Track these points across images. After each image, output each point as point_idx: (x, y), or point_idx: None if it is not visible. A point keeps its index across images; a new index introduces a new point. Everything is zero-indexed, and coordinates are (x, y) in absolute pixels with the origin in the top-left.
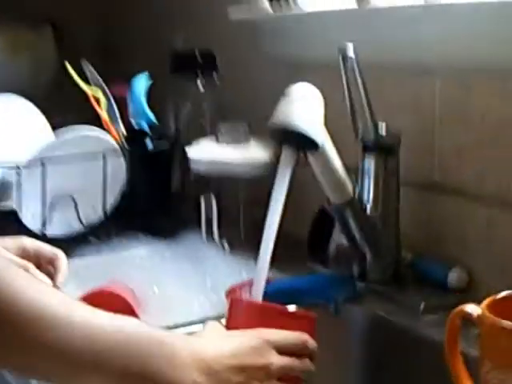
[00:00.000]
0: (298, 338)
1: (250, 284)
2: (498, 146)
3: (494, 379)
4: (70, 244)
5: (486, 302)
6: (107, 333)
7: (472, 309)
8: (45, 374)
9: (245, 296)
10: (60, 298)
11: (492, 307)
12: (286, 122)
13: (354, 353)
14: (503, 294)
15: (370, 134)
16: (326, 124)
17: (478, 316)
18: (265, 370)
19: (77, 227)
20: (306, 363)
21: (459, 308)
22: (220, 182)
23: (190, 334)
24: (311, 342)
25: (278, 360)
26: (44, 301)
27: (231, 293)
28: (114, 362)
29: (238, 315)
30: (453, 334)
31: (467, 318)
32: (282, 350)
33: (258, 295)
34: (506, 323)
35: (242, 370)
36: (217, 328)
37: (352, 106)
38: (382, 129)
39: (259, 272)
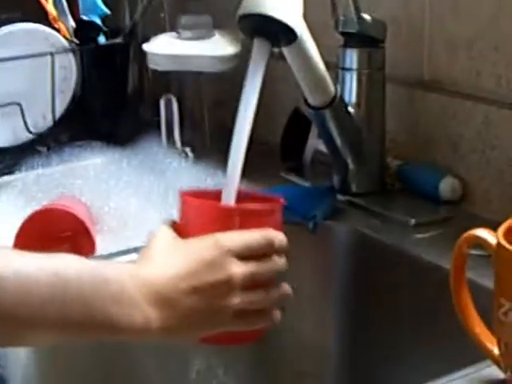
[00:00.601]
0: (260, 238)
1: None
2: (496, 37)
3: None
4: (17, 155)
5: (502, 227)
6: (40, 282)
7: (484, 235)
8: None
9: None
10: None
11: (510, 232)
12: (259, 9)
13: (335, 276)
14: None
15: (353, 24)
16: (304, 13)
17: (493, 246)
18: (228, 285)
19: (24, 136)
20: (274, 263)
21: (468, 234)
22: (181, 81)
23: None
24: (279, 238)
25: (239, 269)
26: None
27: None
28: (52, 315)
29: (191, 218)
30: (459, 265)
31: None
32: (243, 255)
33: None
34: None
35: (199, 290)
36: (165, 241)
37: None
38: (366, 18)
39: (229, 183)
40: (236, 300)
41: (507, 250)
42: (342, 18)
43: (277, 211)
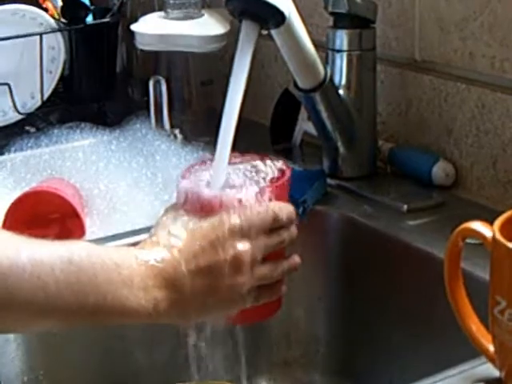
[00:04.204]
0: (265, 214)
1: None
2: (489, 17)
3: (511, 322)
4: (5, 135)
5: (499, 220)
6: (55, 269)
7: (480, 228)
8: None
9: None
10: (1, 239)
11: (507, 225)
12: None
13: (325, 262)
14: None
15: (343, 4)
16: None
17: (489, 239)
18: (234, 263)
19: (12, 116)
20: (281, 237)
21: (463, 227)
22: (170, 62)
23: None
24: (284, 211)
25: (246, 247)
26: None
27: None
28: (67, 301)
29: (192, 205)
30: (454, 259)
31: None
32: (249, 232)
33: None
34: None
35: (206, 271)
36: (170, 222)
37: None
38: None
39: (218, 164)
40: (245, 277)
41: (503, 245)
42: None
43: (283, 183)
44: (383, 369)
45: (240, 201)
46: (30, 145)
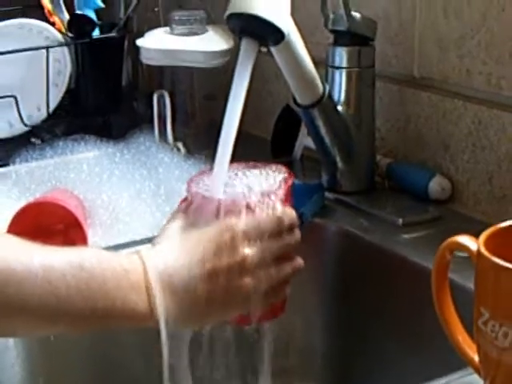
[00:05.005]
0: (270, 218)
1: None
2: (486, 36)
3: (494, 333)
4: (11, 147)
5: (485, 234)
6: (66, 275)
7: (466, 241)
8: (7, 330)
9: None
10: (15, 245)
11: (492, 239)
12: (246, 8)
13: (322, 274)
14: (507, 223)
15: (342, 22)
16: (293, 10)
17: (474, 253)
18: (241, 266)
19: (19, 128)
20: (285, 240)
21: (450, 240)
22: (175, 76)
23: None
24: (287, 214)
25: (251, 250)
26: None
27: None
28: (78, 306)
29: (198, 210)
30: (441, 272)
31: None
32: (255, 236)
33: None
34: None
35: (213, 274)
36: (177, 229)
37: None
38: (356, 16)
39: (216, 175)
40: (251, 280)
41: (487, 258)
42: (331, 15)
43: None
44: (379, 379)
45: (245, 206)
46: (35, 156)
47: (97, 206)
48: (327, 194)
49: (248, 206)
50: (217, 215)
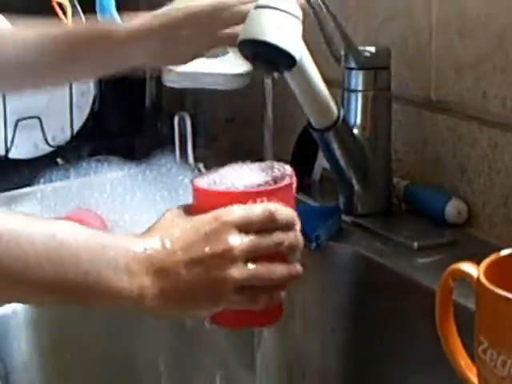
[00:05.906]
0: (261, 210)
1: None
2: (501, 59)
3: (493, 362)
4: (36, 167)
5: (485, 262)
6: (36, 242)
7: (469, 269)
8: None
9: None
10: None
11: (493, 267)
12: (257, 35)
13: (336, 298)
14: (507, 251)
15: (354, 59)
16: (304, 32)
17: (475, 280)
18: (227, 256)
19: (43, 149)
20: (277, 237)
21: (453, 267)
22: (196, 98)
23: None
24: (282, 211)
25: (238, 241)
26: None
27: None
28: (47, 274)
29: (201, 204)
30: (445, 299)
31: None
32: (244, 227)
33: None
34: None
35: (197, 262)
36: (169, 219)
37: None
38: (368, 51)
39: None
40: (236, 272)
41: (485, 287)
42: (342, 52)
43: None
44: None
45: (238, 198)
46: (59, 176)
47: (119, 226)
48: (344, 217)
49: (241, 200)
50: (209, 204)
